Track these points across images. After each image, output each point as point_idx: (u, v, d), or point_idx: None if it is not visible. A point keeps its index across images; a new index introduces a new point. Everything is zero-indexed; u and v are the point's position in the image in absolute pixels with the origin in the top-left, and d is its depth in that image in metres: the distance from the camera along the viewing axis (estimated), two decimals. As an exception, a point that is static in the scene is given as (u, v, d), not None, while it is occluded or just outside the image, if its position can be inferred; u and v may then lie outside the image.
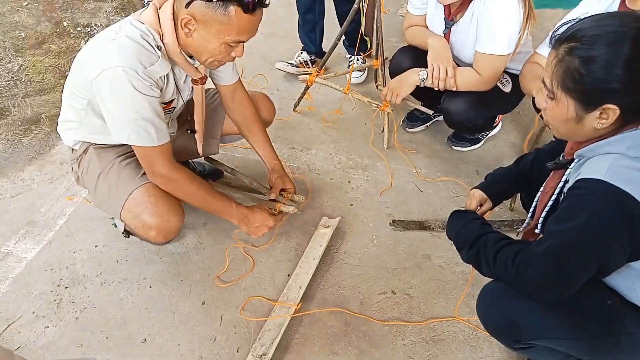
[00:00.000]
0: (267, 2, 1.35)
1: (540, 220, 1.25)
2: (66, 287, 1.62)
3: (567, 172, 1.17)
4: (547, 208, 1.23)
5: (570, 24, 1.04)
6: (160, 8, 1.40)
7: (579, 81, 1.01)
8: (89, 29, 3.07)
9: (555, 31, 1.08)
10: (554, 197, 1.21)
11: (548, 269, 1.06)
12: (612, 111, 1.00)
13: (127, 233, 1.71)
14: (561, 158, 1.22)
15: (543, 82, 1.09)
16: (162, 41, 1.39)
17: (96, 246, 1.76)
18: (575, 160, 1.15)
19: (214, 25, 1.31)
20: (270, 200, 1.72)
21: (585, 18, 1.05)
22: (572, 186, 1.09)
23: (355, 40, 2.45)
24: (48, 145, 2.18)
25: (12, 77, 2.58)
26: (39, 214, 1.86)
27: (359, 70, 2.50)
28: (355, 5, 2.14)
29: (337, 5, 2.50)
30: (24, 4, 3.27)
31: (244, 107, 1.74)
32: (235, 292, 1.65)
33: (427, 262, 1.80)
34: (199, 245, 1.80)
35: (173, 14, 1.37)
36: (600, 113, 1.02)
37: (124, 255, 1.74)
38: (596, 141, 1.08)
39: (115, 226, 1.76)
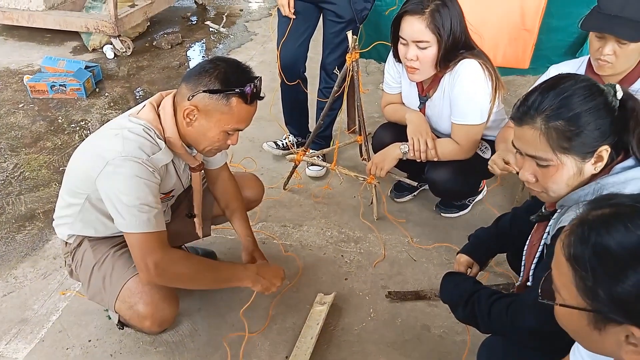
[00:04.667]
0: (262, 96, 1.47)
1: (531, 272, 1.27)
2: (58, 387, 1.57)
3: (549, 224, 1.21)
4: (535, 260, 1.26)
5: (528, 99, 1.12)
6: (158, 106, 1.49)
7: (574, 138, 1.07)
8: (83, 124, 3.19)
9: (517, 109, 1.15)
10: (540, 248, 1.25)
11: (539, 316, 1.08)
12: (605, 151, 1.08)
13: (122, 324, 1.69)
14: (543, 210, 1.27)
15: (532, 156, 1.13)
16: (163, 136, 1.47)
17: (89, 341, 1.72)
18: (558, 211, 1.19)
19: (215, 114, 1.41)
20: None
21: (532, 90, 1.13)
22: (554, 235, 1.14)
23: (326, 138, 2.67)
24: (42, 240, 2.19)
25: (7, 176, 2.64)
26: (32, 311, 1.84)
27: (317, 165, 2.59)
28: (335, 87, 2.27)
29: (318, 103, 2.65)
30: (20, 105, 3.41)
31: (226, 186, 1.81)
32: (233, 379, 1.61)
33: (427, 333, 1.77)
34: (195, 332, 1.77)
35: (173, 108, 1.46)
36: (595, 158, 1.09)
37: (118, 349, 1.70)
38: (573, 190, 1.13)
39: (109, 318, 1.74)
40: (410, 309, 1.86)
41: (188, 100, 1.42)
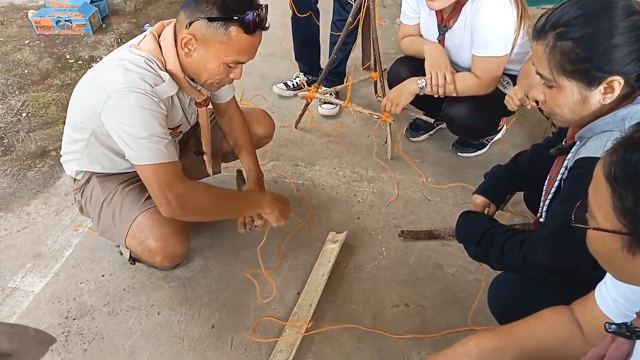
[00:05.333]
0: (267, 25, 1.37)
1: (545, 207, 1.23)
2: (74, 319, 1.60)
3: (568, 157, 1.16)
4: (550, 195, 1.21)
5: (548, 13, 1.04)
6: (159, 36, 1.41)
7: (577, 61, 1.00)
8: (90, 61, 3.11)
9: (536, 24, 1.07)
10: (556, 183, 1.20)
11: (552, 250, 1.05)
12: (617, 82, 0.99)
13: (133, 260, 1.69)
14: (564, 143, 1.21)
15: (539, 74, 1.08)
16: (165, 68, 1.39)
17: (103, 275, 1.74)
18: (577, 143, 1.14)
19: (213, 44, 1.32)
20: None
21: (561, 5, 1.04)
22: (572, 166, 1.10)
23: (339, 74, 2.54)
24: (52, 177, 2.19)
25: (16, 114, 2.61)
26: (45, 246, 1.85)
27: (330, 103, 2.49)
28: (349, 19, 2.14)
29: (332, 37, 2.52)
30: (26, 42, 3.33)
31: (233, 121, 1.75)
32: (244, 313, 1.62)
33: (439, 272, 1.75)
34: (206, 269, 1.77)
35: (174, 39, 1.38)
36: (605, 88, 1.01)
37: (131, 283, 1.72)
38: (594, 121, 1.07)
39: (121, 254, 1.74)
40: (423, 248, 1.84)
41: (186, 28, 1.33)
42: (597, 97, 1.04)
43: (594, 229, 0.74)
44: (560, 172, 1.19)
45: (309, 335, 1.53)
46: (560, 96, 1.07)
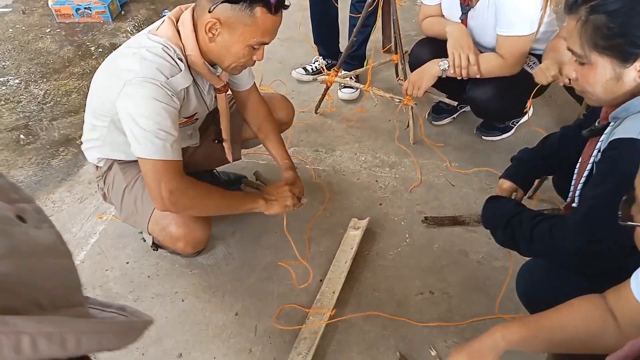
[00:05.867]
0: (287, 4, 1.35)
1: (578, 191, 1.19)
2: (100, 306, 1.62)
3: (601, 138, 1.11)
4: (583, 179, 1.16)
5: None
6: (178, 21, 1.39)
7: (610, 36, 0.96)
8: (110, 48, 3.12)
9: (566, 2, 1.03)
10: (589, 166, 1.15)
11: (583, 237, 1.01)
12: None
13: (156, 246, 1.70)
14: (596, 124, 1.16)
15: (570, 50, 1.04)
16: (185, 54, 1.37)
17: (127, 263, 1.76)
18: (611, 124, 1.09)
19: (238, 27, 1.30)
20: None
21: None
22: (606, 148, 1.05)
23: (359, 57, 2.48)
24: (76, 165, 2.21)
25: (39, 102, 2.64)
26: (71, 234, 1.88)
27: (350, 87, 2.45)
28: (369, 0, 2.09)
29: (351, 19, 2.47)
30: (47, 30, 3.35)
31: (256, 108, 1.72)
32: (268, 301, 1.62)
33: (465, 258, 1.72)
34: (229, 256, 1.77)
35: (193, 23, 1.36)
36: None
37: (155, 270, 1.73)
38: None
39: (144, 240, 1.75)
40: (448, 234, 1.81)
41: (209, 12, 1.30)
42: (632, 74, 0.99)
43: None
44: (593, 155, 1.15)
45: (332, 322, 1.52)
46: (593, 74, 1.02)
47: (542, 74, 1.66)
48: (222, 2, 1.28)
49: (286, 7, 1.35)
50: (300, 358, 1.41)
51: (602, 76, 1.02)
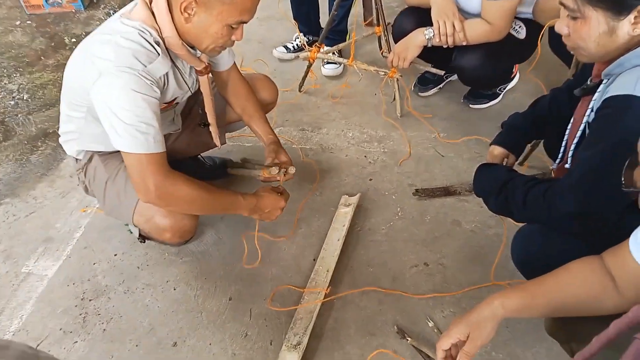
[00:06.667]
0: None
1: (571, 152, 1.16)
2: (90, 300, 1.58)
3: (594, 97, 1.08)
4: (576, 139, 1.14)
5: None
6: (151, 2, 1.32)
7: None
8: (84, 38, 3.01)
9: None
10: (582, 126, 1.12)
11: (579, 198, 0.99)
12: None
13: (143, 238, 1.66)
14: (589, 82, 1.13)
15: (562, 4, 1.00)
16: (161, 36, 1.31)
17: (115, 255, 1.72)
18: (604, 82, 1.06)
19: (215, 6, 1.23)
20: (263, 175, 1.60)
21: None
22: (600, 107, 1.02)
23: (340, 32, 2.42)
24: (56, 160, 2.14)
25: (14, 97, 2.55)
26: (55, 229, 1.83)
27: (334, 63, 2.39)
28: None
29: None
30: (17, 23, 3.24)
31: (238, 88, 1.66)
32: (261, 283, 1.59)
33: (458, 228, 1.70)
34: (219, 241, 1.74)
35: (168, 4, 1.29)
36: (635, 17, 0.93)
37: (144, 261, 1.69)
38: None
39: (131, 232, 1.71)
40: (440, 206, 1.78)
41: None
42: (626, 27, 0.95)
43: None
44: (585, 115, 1.12)
45: (328, 301, 1.50)
46: (586, 28, 0.99)
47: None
48: None
49: None
50: (297, 338, 1.39)
51: (595, 30, 0.99)
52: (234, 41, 1.36)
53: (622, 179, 0.73)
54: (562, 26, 1.06)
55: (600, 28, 0.98)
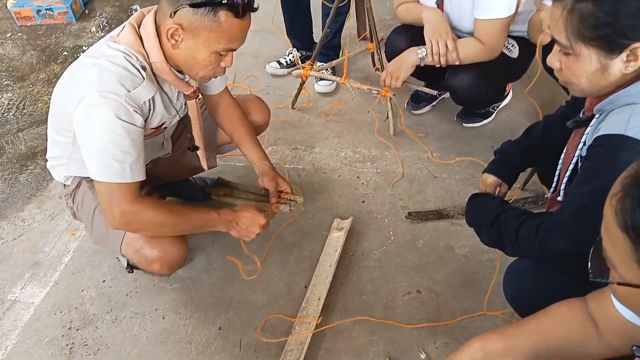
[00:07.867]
0: (256, 7, 1.25)
1: (563, 185, 1.15)
2: (77, 329, 1.56)
3: (586, 131, 1.07)
4: (568, 172, 1.13)
5: None
6: (139, 27, 1.30)
7: (597, 26, 0.91)
8: (75, 51, 2.99)
9: None
10: (574, 160, 1.11)
11: (571, 235, 0.98)
12: None
13: (131, 267, 1.64)
14: (581, 115, 1.12)
15: (554, 40, 0.99)
16: (148, 61, 1.29)
17: (104, 281, 1.69)
18: (596, 117, 1.05)
19: (202, 33, 1.21)
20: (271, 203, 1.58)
21: None
22: (592, 144, 1.01)
23: (334, 48, 2.41)
24: (45, 180, 2.12)
25: (3, 113, 2.52)
26: (43, 253, 1.80)
27: (326, 79, 2.37)
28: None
29: (324, 8, 2.38)
30: (7, 35, 3.20)
31: (229, 112, 1.64)
32: (252, 312, 1.57)
33: (451, 253, 1.68)
34: (209, 267, 1.71)
35: (156, 29, 1.27)
36: (628, 55, 0.92)
37: (133, 287, 1.66)
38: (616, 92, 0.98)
39: (119, 260, 1.68)
40: (433, 229, 1.76)
41: (170, 17, 1.21)
42: (619, 66, 0.94)
43: (619, 284, 0.66)
44: (578, 148, 1.11)
45: (319, 331, 1.48)
46: (578, 65, 0.98)
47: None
48: (182, 6, 1.19)
49: (254, 9, 1.25)
50: (287, 372, 1.37)
51: (587, 67, 0.98)
52: (224, 68, 1.34)
53: (589, 267, 0.72)
54: (554, 60, 1.05)
55: (592, 65, 0.97)
